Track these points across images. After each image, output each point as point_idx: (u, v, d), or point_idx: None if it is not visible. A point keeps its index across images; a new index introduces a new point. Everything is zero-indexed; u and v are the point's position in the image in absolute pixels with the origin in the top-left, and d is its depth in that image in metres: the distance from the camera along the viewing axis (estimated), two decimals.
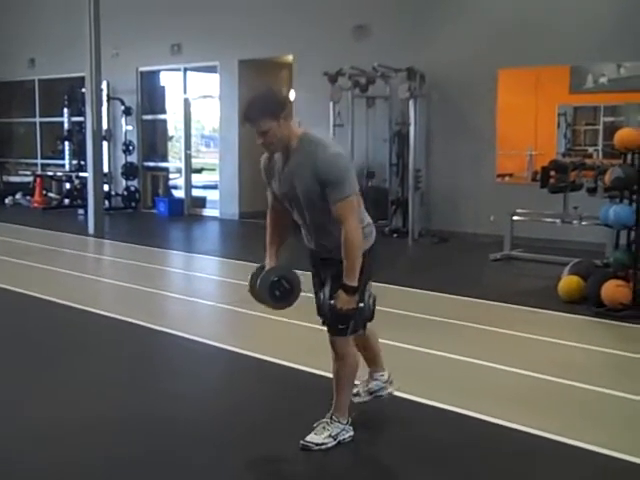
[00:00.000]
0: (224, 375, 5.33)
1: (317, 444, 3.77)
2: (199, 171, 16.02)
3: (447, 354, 5.43)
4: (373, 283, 3.78)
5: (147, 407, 4.46)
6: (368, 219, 3.85)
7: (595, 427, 4.18)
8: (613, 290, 6.54)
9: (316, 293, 3.87)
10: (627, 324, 6.28)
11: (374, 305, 3.73)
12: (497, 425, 4.12)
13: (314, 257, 3.91)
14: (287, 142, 3.62)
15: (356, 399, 4.14)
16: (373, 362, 4.22)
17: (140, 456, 3.77)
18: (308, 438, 3.79)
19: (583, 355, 5.58)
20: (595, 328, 6.35)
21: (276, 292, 3.82)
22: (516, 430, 4.06)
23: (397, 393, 4.54)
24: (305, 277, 3.92)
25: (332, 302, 3.63)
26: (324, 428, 3.81)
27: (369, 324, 3.86)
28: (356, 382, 4.08)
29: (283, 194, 3.76)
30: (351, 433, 3.86)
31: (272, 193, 3.88)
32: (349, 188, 3.56)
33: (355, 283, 3.59)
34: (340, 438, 3.82)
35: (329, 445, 3.77)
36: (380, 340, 5.49)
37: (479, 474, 3.64)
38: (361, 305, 3.65)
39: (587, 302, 6.76)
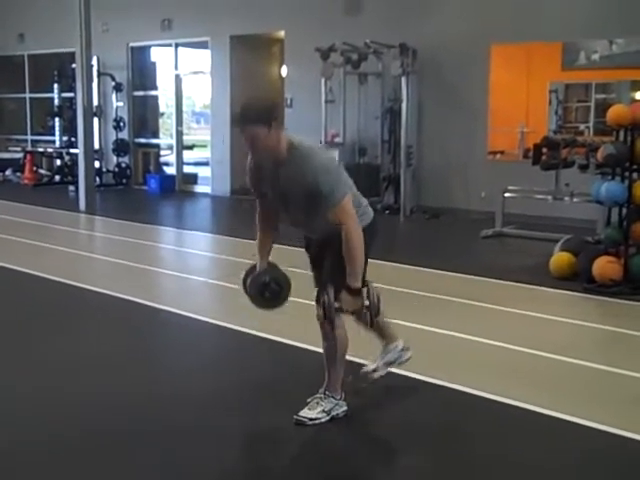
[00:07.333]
0: (216, 350, 5.33)
1: (311, 419, 3.80)
2: (190, 148, 15.99)
3: (437, 329, 5.45)
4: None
5: (140, 382, 4.47)
6: (364, 201, 3.90)
7: (586, 402, 4.22)
8: (604, 266, 6.57)
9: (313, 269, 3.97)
10: (618, 300, 6.32)
11: (379, 302, 3.71)
12: (490, 400, 4.15)
13: (307, 239, 3.99)
14: (276, 152, 3.60)
15: (376, 374, 4.15)
16: (382, 336, 4.22)
17: (137, 430, 3.79)
18: (302, 413, 3.82)
19: (574, 331, 5.62)
20: (586, 304, 6.39)
21: (266, 293, 3.89)
22: (507, 404, 4.09)
23: (389, 369, 4.58)
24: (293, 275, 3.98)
25: (337, 305, 3.62)
26: (318, 403, 3.84)
27: None
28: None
29: (276, 200, 3.77)
30: (344, 408, 3.89)
31: (260, 195, 3.86)
32: (342, 193, 3.58)
33: (359, 285, 3.61)
34: (333, 413, 3.85)
35: (322, 420, 3.81)
36: None
37: (473, 449, 3.66)
38: (367, 303, 3.65)
39: (578, 278, 6.80)
